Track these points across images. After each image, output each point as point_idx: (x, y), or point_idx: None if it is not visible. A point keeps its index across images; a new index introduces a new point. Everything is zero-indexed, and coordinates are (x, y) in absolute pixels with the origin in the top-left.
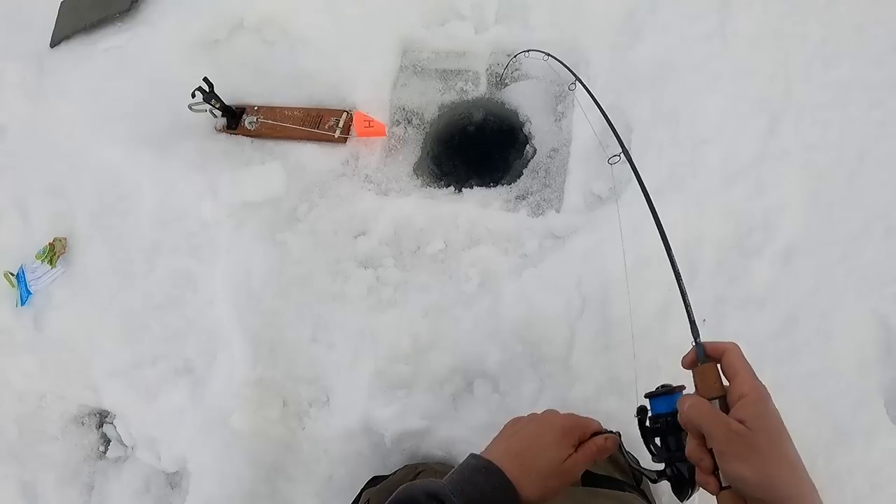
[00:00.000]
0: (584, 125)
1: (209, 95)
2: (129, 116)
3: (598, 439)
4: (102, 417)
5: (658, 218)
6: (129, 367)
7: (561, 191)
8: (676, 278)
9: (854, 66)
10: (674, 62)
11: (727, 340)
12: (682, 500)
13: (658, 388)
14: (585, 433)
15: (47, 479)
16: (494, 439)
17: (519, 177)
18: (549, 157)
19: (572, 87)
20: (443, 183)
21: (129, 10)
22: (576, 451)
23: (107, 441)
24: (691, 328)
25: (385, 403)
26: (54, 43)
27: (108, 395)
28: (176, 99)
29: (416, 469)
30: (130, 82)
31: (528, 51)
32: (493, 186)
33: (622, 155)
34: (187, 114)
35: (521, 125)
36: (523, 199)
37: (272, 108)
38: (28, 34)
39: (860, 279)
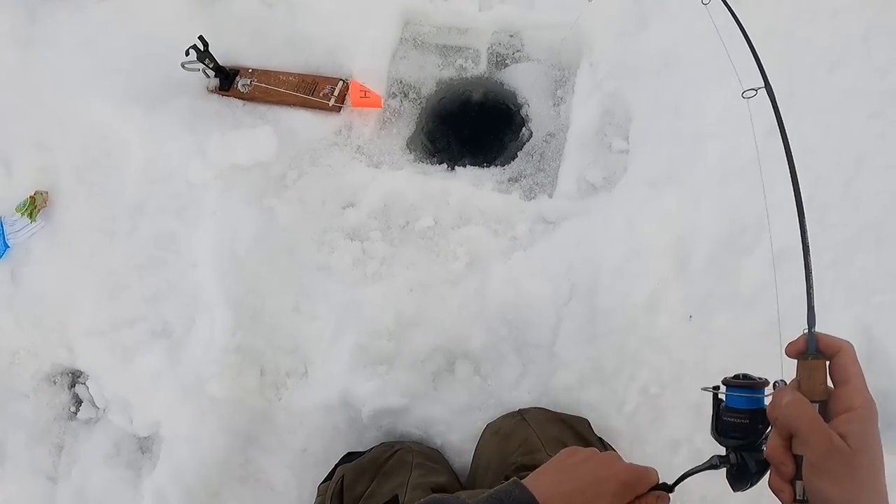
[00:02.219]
0: (582, 111)
1: (203, 54)
2: (120, 71)
3: (652, 497)
4: (75, 377)
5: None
6: (107, 327)
7: (555, 176)
8: (804, 252)
9: (858, 74)
10: (679, 54)
11: (842, 338)
12: (735, 491)
13: (738, 376)
14: (644, 490)
15: (17, 438)
16: (544, 466)
17: (513, 159)
18: (545, 141)
19: None
20: (436, 159)
21: None
22: None
23: (78, 402)
24: (808, 314)
25: (365, 378)
26: None
27: (83, 354)
28: (169, 56)
29: (393, 447)
30: (123, 36)
31: None
32: (487, 167)
33: (762, 89)
34: (180, 72)
35: (519, 107)
36: (516, 181)
37: (267, 71)
38: None
39: (848, 286)
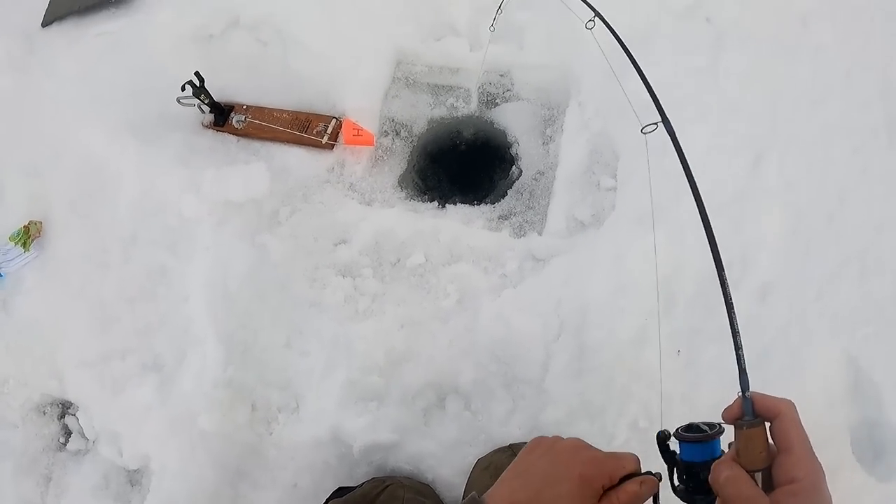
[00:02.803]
0: (571, 149)
1: (199, 90)
2: (115, 104)
3: (631, 486)
4: (65, 408)
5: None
6: (97, 358)
7: (544, 214)
8: (728, 310)
9: (840, 110)
10: (664, 93)
11: (782, 398)
12: None
13: (690, 427)
14: (613, 479)
15: (4, 468)
16: (505, 472)
17: (503, 197)
18: (535, 179)
19: (590, 24)
20: (427, 197)
21: None
22: (599, 501)
23: (68, 433)
24: (740, 376)
25: (355, 414)
26: (46, 22)
27: (73, 385)
28: (165, 90)
29: (384, 482)
30: (120, 69)
31: None
32: (477, 205)
33: (660, 123)
34: (175, 107)
35: (509, 146)
36: (506, 219)
37: (261, 108)
38: (20, 11)
39: (833, 318)
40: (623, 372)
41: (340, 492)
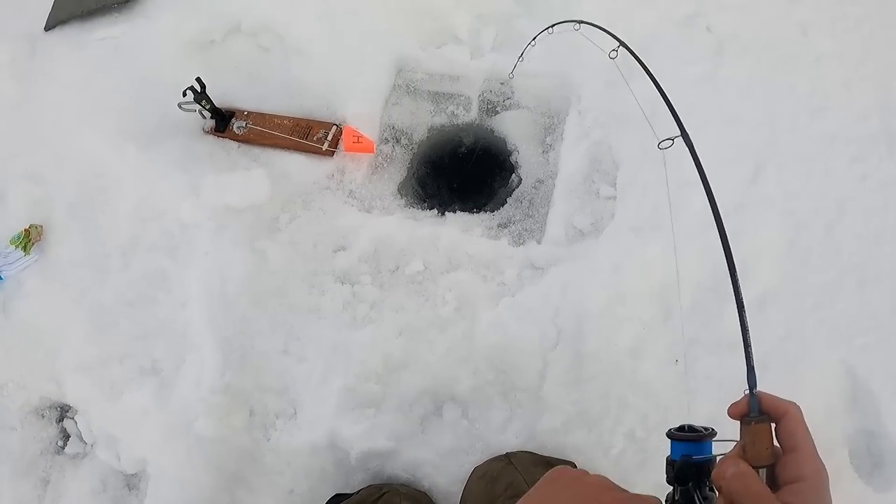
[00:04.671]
0: (571, 158)
1: (200, 96)
2: (117, 109)
3: None
4: (64, 412)
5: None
6: (96, 362)
7: (543, 222)
8: (739, 311)
9: (839, 120)
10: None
11: (788, 400)
12: None
13: (683, 427)
14: None
15: (2, 470)
16: (527, 495)
17: (502, 205)
18: (534, 187)
19: (613, 54)
20: (426, 205)
21: (128, 0)
22: None
23: (66, 436)
24: (748, 375)
25: (353, 421)
26: (49, 27)
27: (72, 389)
28: (166, 96)
29: (380, 490)
30: (122, 74)
31: (551, 27)
32: (476, 212)
33: (678, 139)
34: (176, 112)
35: (509, 154)
36: (505, 227)
37: (262, 114)
38: (23, 15)
39: (831, 329)
40: (620, 381)
41: (337, 498)
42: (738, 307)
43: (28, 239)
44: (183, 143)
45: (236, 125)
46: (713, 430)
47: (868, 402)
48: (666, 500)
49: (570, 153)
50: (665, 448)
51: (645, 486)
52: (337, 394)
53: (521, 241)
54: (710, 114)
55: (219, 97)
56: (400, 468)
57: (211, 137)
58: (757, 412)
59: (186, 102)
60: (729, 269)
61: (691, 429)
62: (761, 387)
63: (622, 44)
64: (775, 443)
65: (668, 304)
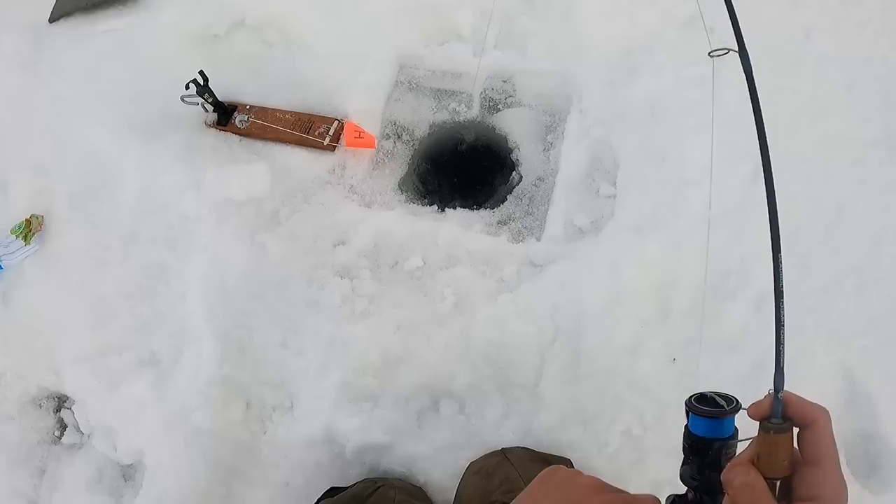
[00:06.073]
0: (571, 156)
1: (203, 89)
2: (120, 101)
3: None
4: (61, 402)
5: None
6: (94, 353)
7: (543, 220)
8: (776, 309)
9: (840, 123)
10: (665, 103)
11: (818, 405)
12: None
13: (705, 395)
14: None
15: None
16: (522, 493)
17: (502, 202)
18: (535, 185)
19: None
20: (426, 201)
21: None
22: None
23: (63, 426)
24: (775, 375)
25: (349, 415)
26: (53, 18)
27: (70, 379)
28: (169, 89)
29: (376, 484)
30: (125, 67)
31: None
32: (476, 209)
33: (731, 51)
34: (179, 105)
35: (510, 151)
36: (505, 224)
37: (264, 108)
38: (28, 6)
39: (829, 331)
40: (617, 379)
41: (332, 492)
42: (776, 298)
43: (29, 229)
44: (185, 136)
45: (238, 119)
46: (737, 401)
47: (866, 404)
48: (666, 501)
49: (570, 151)
50: (661, 448)
51: (640, 483)
52: (334, 387)
53: (521, 238)
54: (710, 114)
55: (221, 91)
56: (396, 462)
57: (213, 131)
58: (780, 418)
59: (189, 96)
60: (773, 252)
61: (713, 401)
62: (759, 387)
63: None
64: (795, 447)
65: (666, 303)
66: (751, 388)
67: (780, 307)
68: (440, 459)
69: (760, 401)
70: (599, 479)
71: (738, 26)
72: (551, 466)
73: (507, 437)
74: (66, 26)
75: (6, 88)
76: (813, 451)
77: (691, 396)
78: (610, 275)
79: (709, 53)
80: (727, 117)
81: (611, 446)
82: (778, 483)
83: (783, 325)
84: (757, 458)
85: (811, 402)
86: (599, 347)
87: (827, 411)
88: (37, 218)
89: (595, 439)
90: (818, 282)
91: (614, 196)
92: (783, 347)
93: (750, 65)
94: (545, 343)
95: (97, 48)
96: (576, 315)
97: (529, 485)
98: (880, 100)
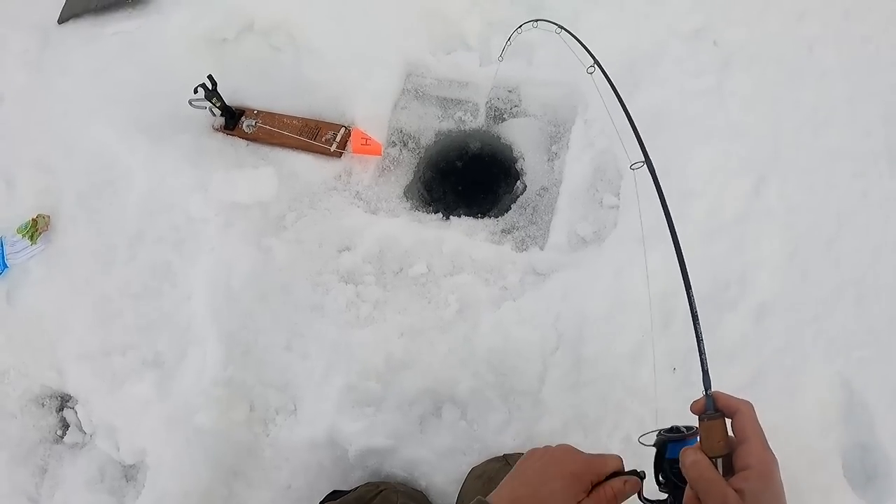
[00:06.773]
0: (576, 167)
1: (211, 93)
2: (128, 102)
3: (616, 483)
4: (64, 401)
5: (672, 225)
6: (98, 353)
7: (547, 229)
8: (693, 321)
9: (842, 136)
10: (669, 114)
11: (741, 398)
12: None
13: (672, 429)
14: (599, 475)
15: (0, 457)
16: (505, 478)
17: (507, 211)
18: (539, 194)
19: (591, 69)
20: (431, 208)
21: None
22: (588, 496)
23: (66, 425)
24: (703, 378)
25: (352, 419)
26: (63, 19)
27: (73, 379)
28: (177, 92)
29: (378, 487)
30: (134, 69)
31: (536, 20)
32: (481, 217)
33: (644, 164)
34: (186, 108)
35: (514, 161)
36: (509, 233)
37: (272, 113)
38: (37, 7)
39: (828, 341)
40: (619, 387)
41: (334, 495)
42: (692, 318)
43: (35, 228)
44: (192, 139)
45: (246, 123)
46: (696, 428)
47: (863, 415)
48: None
49: (575, 162)
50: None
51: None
52: (337, 391)
53: (525, 246)
54: (713, 126)
55: (229, 94)
56: (398, 466)
57: (220, 135)
58: (712, 409)
59: (197, 99)
60: (684, 281)
61: (678, 429)
62: (758, 396)
63: (596, 62)
64: (731, 434)
65: (667, 312)
66: (751, 397)
67: (697, 325)
68: (442, 464)
69: (698, 400)
70: (570, 445)
71: (643, 143)
72: (530, 449)
73: (508, 442)
74: (75, 27)
75: (14, 87)
76: (741, 432)
77: (660, 430)
78: (612, 284)
79: (630, 167)
80: (730, 129)
81: (612, 452)
82: (720, 461)
83: (702, 340)
84: (700, 443)
85: (735, 397)
86: (601, 355)
87: (749, 402)
88: (43, 218)
89: (596, 446)
90: (818, 293)
91: (617, 206)
92: (706, 356)
93: (657, 177)
94: (547, 350)
95: (106, 49)
96: (578, 323)
97: (515, 466)
98: (882, 113)
